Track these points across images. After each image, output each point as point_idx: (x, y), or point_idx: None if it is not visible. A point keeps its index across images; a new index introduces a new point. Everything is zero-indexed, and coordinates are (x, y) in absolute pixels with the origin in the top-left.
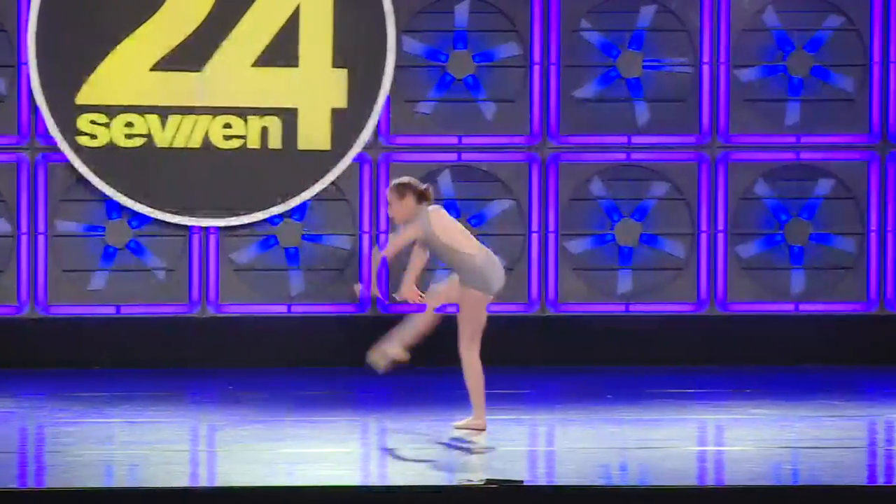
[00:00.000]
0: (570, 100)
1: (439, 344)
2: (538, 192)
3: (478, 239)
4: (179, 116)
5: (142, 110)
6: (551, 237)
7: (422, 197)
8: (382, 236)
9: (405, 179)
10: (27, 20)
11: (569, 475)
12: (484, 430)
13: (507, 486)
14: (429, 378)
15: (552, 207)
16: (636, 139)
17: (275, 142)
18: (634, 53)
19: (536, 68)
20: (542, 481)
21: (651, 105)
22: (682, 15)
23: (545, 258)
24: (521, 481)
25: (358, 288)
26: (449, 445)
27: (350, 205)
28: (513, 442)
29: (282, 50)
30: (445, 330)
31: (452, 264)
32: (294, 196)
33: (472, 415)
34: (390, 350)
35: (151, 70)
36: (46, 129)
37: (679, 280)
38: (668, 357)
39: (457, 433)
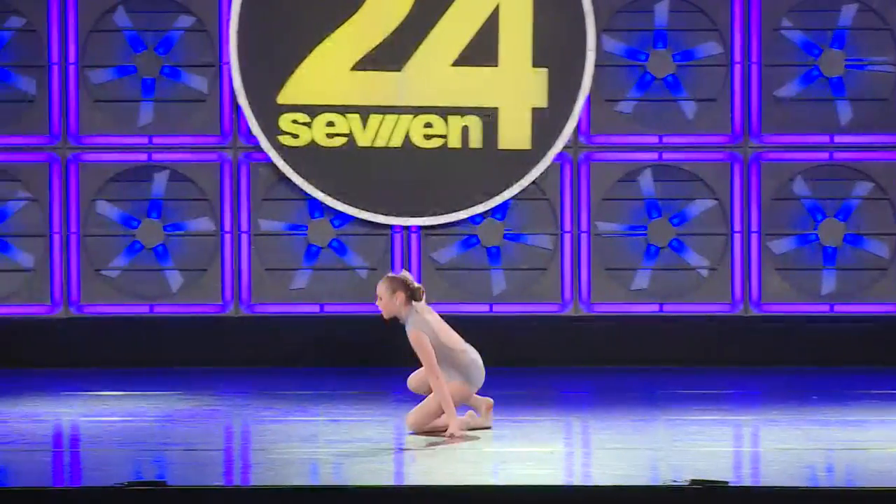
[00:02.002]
0: (772, 99)
1: (657, 344)
2: (740, 192)
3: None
4: (380, 116)
5: (343, 110)
6: (754, 237)
7: (413, 296)
8: (583, 236)
9: (400, 275)
10: (228, 20)
11: (774, 476)
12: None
13: (712, 486)
14: (630, 377)
15: (755, 207)
16: (839, 138)
17: (475, 141)
18: (836, 52)
19: (737, 67)
20: (746, 482)
21: (854, 104)
22: (884, 13)
23: (748, 258)
24: (726, 482)
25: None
26: (653, 445)
27: (551, 204)
28: (717, 442)
29: (481, 49)
30: (647, 328)
31: (443, 361)
32: (495, 195)
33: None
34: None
35: (352, 70)
36: (248, 129)
37: (883, 280)
38: (874, 357)
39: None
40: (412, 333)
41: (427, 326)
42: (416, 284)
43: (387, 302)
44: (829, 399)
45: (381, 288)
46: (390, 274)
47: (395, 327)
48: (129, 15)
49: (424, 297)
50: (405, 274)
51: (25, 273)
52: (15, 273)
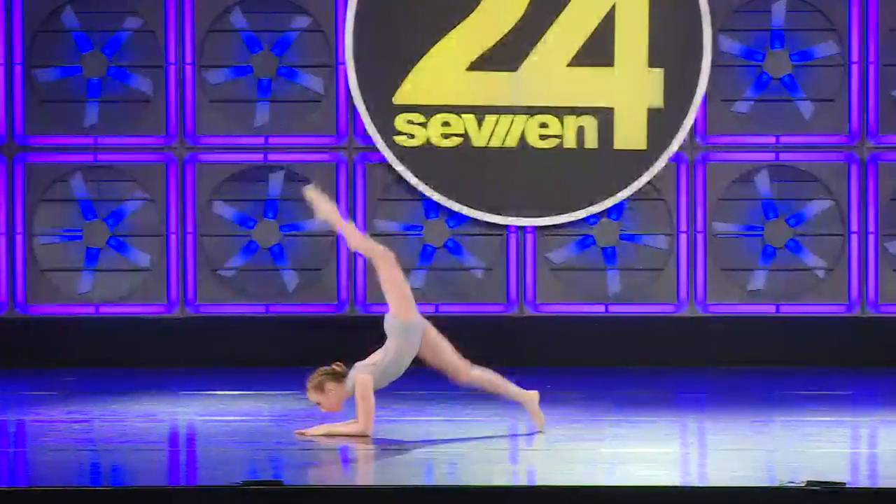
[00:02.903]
0: (890, 99)
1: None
2: (857, 192)
3: None
4: (496, 116)
5: (458, 110)
6: (871, 237)
7: (338, 376)
8: (699, 236)
9: (313, 377)
10: (344, 21)
11: (892, 477)
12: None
13: (829, 488)
14: (746, 378)
15: (872, 207)
16: None
17: (591, 141)
18: None
19: (855, 67)
20: (864, 483)
21: None
22: None
23: (865, 259)
24: (843, 483)
25: None
26: (769, 446)
27: (667, 204)
28: (834, 443)
29: (597, 49)
30: (763, 329)
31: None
32: (611, 196)
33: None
34: None
35: (468, 70)
36: (364, 129)
37: None
38: None
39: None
40: (357, 378)
41: (368, 368)
42: (333, 368)
43: (325, 402)
44: None
45: (312, 396)
46: (307, 383)
47: (511, 328)
48: (246, 15)
49: (347, 370)
50: (316, 370)
51: (142, 273)
52: (132, 273)
